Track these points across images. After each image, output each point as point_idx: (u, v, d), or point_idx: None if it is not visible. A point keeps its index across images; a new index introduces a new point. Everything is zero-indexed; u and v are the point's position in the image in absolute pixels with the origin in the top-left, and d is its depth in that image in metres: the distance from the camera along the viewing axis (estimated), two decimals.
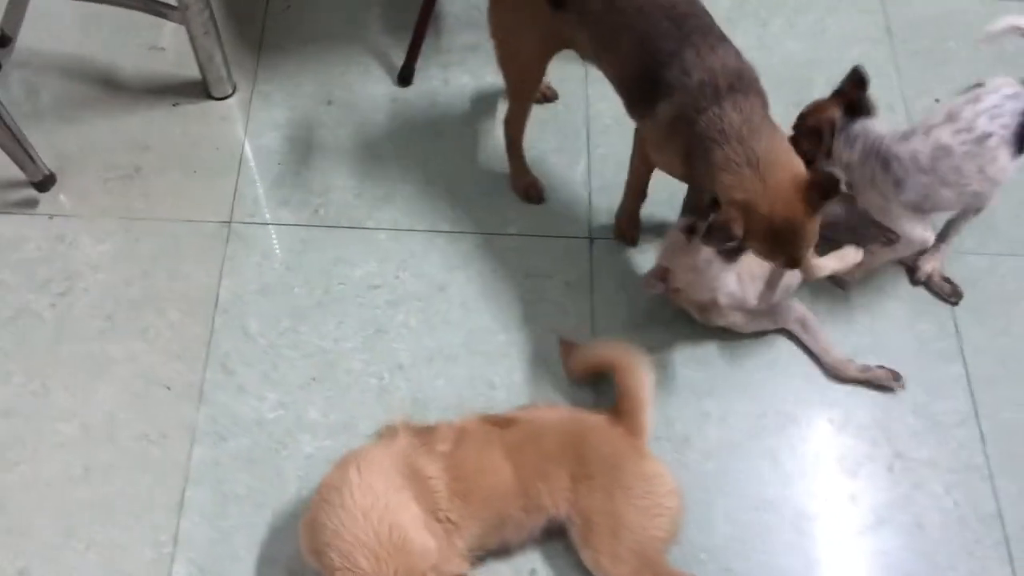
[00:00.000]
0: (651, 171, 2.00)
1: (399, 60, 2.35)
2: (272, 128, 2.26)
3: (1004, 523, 1.89)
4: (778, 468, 1.92)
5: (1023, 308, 2.13)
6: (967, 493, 1.91)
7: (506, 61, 1.98)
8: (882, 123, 1.92)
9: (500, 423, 1.79)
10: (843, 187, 1.75)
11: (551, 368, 1.99)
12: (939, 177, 1.86)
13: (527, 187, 2.19)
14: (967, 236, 2.14)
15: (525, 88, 2.04)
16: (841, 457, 1.94)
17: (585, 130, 2.31)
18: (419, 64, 2.34)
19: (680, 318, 2.05)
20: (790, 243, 1.69)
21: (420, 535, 1.61)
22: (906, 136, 1.89)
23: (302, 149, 2.24)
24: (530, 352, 2.00)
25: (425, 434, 1.75)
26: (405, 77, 2.34)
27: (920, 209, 1.92)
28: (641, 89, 1.78)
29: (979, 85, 1.96)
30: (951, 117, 1.86)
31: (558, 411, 1.83)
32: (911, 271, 2.11)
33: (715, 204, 1.70)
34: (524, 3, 1.83)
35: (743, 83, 1.71)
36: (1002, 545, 1.87)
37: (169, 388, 1.91)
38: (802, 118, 1.94)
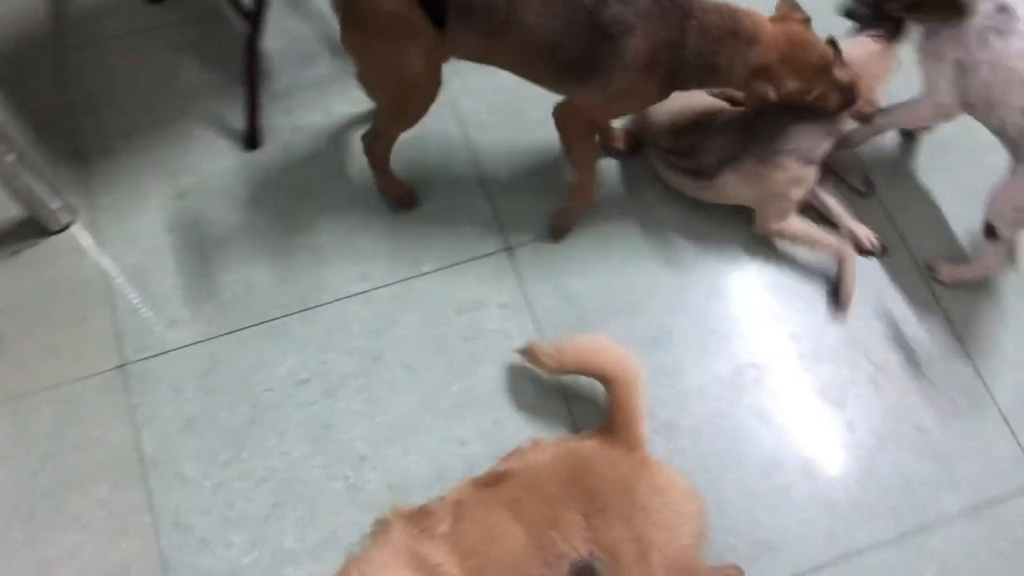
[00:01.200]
0: (595, 136, 1.92)
1: (239, 122, 2.12)
2: (130, 244, 2.01)
3: (995, 398, 1.89)
4: (769, 423, 1.87)
5: (937, 178, 2.11)
6: (954, 381, 1.90)
7: (382, 83, 1.78)
8: None
9: (493, 482, 1.67)
10: None
11: (517, 400, 1.86)
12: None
13: (400, 197, 2.04)
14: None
15: (410, 108, 1.82)
16: (825, 388, 1.90)
17: (461, 135, 2.14)
18: (262, 119, 2.11)
19: (626, 305, 1.95)
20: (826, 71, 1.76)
21: None
22: None
23: (170, 256, 2.00)
24: (489, 392, 1.87)
25: (420, 518, 1.61)
26: (252, 139, 2.11)
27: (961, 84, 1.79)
28: (577, 47, 1.65)
29: None
30: None
31: (548, 448, 1.70)
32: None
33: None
34: (396, 17, 1.63)
35: None
36: (999, 419, 1.87)
37: (129, 569, 1.71)
38: None
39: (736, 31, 1.68)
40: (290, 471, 1.80)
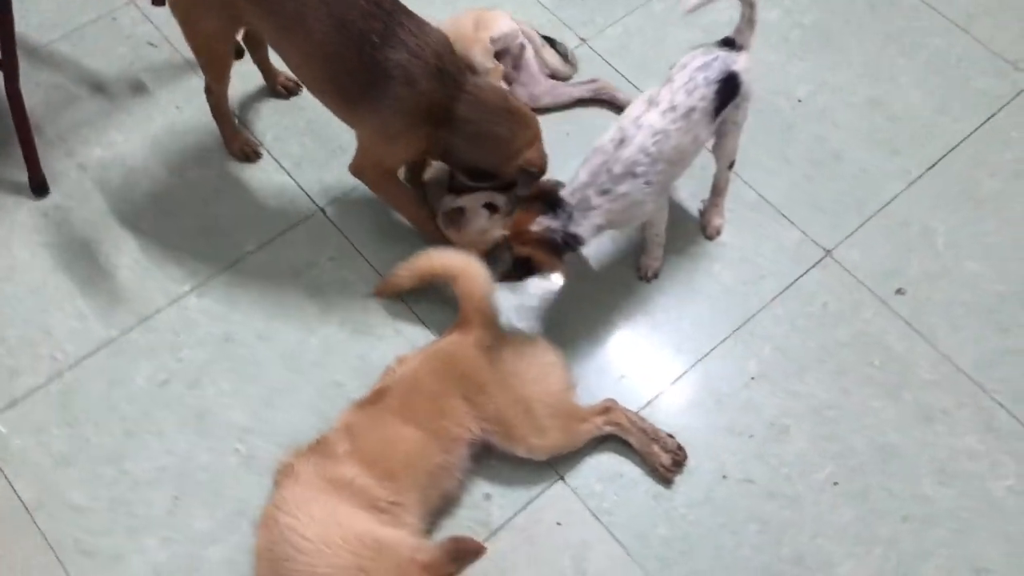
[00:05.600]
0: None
1: (20, 174, 2.11)
2: None
3: (768, 200, 2.17)
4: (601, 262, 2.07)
5: None
6: (731, 195, 2.17)
7: (189, 40, 1.96)
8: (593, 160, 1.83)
9: (375, 399, 1.77)
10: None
11: (375, 333, 1.97)
12: (666, 159, 1.84)
13: (242, 147, 2.18)
14: None
15: (213, 64, 2.01)
16: None
17: (241, 126, 2.24)
18: (44, 165, 2.12)
19: None
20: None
21: (383, 530, 1.58)
22: (623, 141, 1.81)
23: None
24: (347, 335, 1.97)
25: (319, 448, 1.69)
26: (39, 187, 2.11)
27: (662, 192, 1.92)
28: (354, 73, 1.78)
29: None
30: (652, 102, 1.84)
31: (415, 357, 1.82)
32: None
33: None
34: None
35: (456, 59, 1.84)
36: (777, 215, 2.15)
37: None
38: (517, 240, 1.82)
39: (507, 108, 1.85)
40: (181, 464, 1.81)
